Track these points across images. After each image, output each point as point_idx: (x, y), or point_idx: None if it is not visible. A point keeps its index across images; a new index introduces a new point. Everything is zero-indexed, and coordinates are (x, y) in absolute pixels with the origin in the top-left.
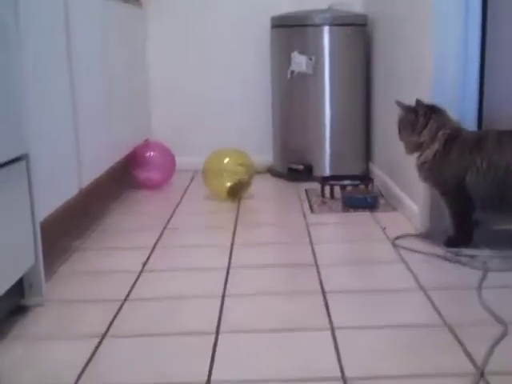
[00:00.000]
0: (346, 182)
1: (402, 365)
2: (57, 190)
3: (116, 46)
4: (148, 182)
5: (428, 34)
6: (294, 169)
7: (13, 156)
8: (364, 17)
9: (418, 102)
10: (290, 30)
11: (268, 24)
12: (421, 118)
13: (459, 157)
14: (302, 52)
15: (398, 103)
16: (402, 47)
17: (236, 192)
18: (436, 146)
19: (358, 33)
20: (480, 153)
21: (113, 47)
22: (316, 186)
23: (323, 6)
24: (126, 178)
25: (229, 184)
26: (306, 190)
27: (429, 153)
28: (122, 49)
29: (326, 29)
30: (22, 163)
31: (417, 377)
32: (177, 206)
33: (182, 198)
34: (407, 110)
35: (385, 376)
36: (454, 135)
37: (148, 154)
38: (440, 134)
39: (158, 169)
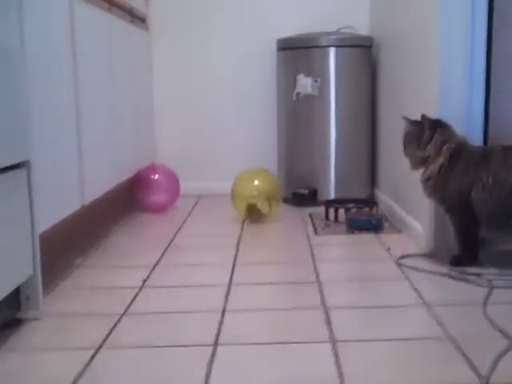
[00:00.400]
0: (351, 205)
1: (405, 375)
2: (58, 203)
3: (122, 67)
4: (153, 204)
5: (433, 53)
6: (299, 193)
7: (13, 162)
8: (369, 39)
9: (424, 116)
10: (296, 52)
11: (274, 46)
12: (426, 132)
13: (464, 171)
14: (307, 74)
15: (405, 118)
16: (407, 68)
17: (253, 214)
18: (441, 160)
19: (364, 55)
20: (486, 168)
21: (119, 68)
22: (320, 210)
23: (329, 29)
24: (129, 200)
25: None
26: (310, 214)
27: (433, 167)
28: (128, 70)
29: (332, 50)
30: (23, 170)
31: None
32: (180, 228)
33: (185, 221)
34: (413, 123)
35: None
36: (460, 150)
37: (153, 177)
38: (445, 148)
39: (162, 191)
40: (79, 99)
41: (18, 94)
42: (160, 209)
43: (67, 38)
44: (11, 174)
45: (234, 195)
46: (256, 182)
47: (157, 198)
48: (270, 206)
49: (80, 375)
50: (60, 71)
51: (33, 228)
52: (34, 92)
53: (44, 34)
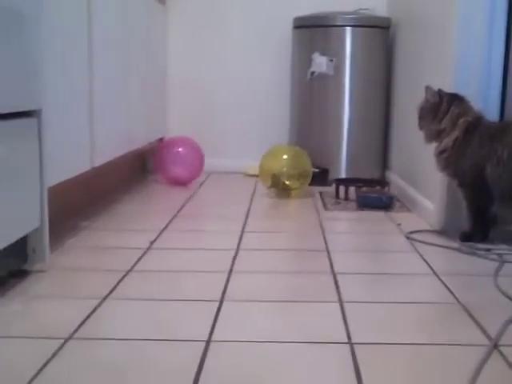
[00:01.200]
0: (362, 184)
1: (412, 335)
2: (68, 160)
3: (137, 37)
4: (174, 178)
5: (451, 33)
6: None
7: (25, 108)
8: (387, 20)
9: (440, 90)
10: (312, 31)
11: (290, 24)
12: (444, 104)
13: (479, 145)
14: (323, 53)
15: (428, 87)
16: (425, 50)
17: (280, 188)
18: (456, 133)
19: (381, 35)
20: (501, 142)
21: (134, 37)
22: (331, 189)
23: (346, 10)
24: (140, 169)
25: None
26: (320, 192)
27: (448, 140)
28: (143, 41)
29: (349, 30)
30: (34, 119)
31: (427, 345)
32: (189, 198)
33: (195, 193)
34: (433, 93)
35: (394, 343)
36: (475, 124)
37: (178, 149)
38: (461, 121)
39: (186, 166)
40: (93, 62)
41: (32, 44)
42: (181, 183)
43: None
44: (23, 121)
45: (261, 169)
46: (285, 157)
47: (180, 171)
48: (299, 182)
49: (84, 322)
50: (75, 32)
51: (41, 180)
52: (49, 47)
53: None
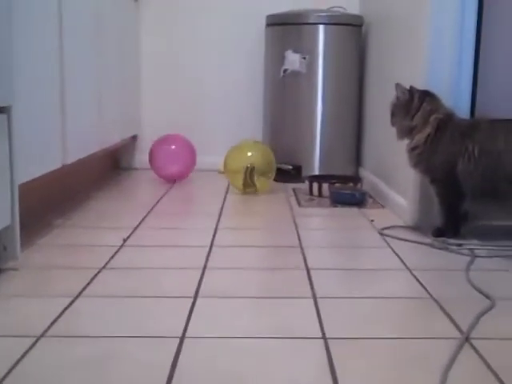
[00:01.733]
0: (335, 181)
1: (385, 328)
2: (39, 157)
3: (108, 33)
4: (168, 174)
5: (422, 31)
6: (283, 169)
7: None
8: (360, 18)
9: (412, 87)
10: (285, 29)
11: (263, 22)
12: (415, 101)
13: (450, 142)
14: (295, 51)
15: (398, 84)
16: (396, 48)
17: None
18: (428, 130)
19: (353, 33)
20: (472, 139)
21: (105, 33)
22: (304, 185)
23: (319, 7)
24: (113, 166)
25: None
26: (293, 189)
27: (420, 137)
28: (115, 37)
29: (321, 28)
30: (4, 116)
31: (400, 339)
32: (163, 196)
33: (169, 190)
34: (404, 91)
35: (367, 337)
36: (447, 120)
37: (171, 147)
38: (432, 118)
39: (179, 162)
40: (64, 59)
41: (2, 41)
42: (175, 178)
43: None
44: None
45: (226, 166)
46: (249, 154)
47: (173, 168)
48: (266, 177)
49: (56, 319)
50: (46, 28)
51: (12, 177)
52: (19, 43)
53: None
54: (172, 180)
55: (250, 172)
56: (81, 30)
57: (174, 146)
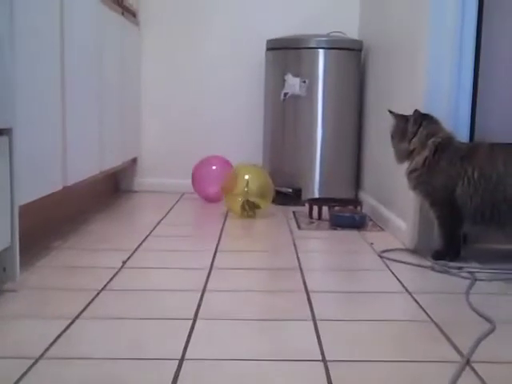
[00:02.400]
0: (335, 204)
1: (385, 351)
2: (40, 179)
3: (111, 57)
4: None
5: (421, 56)
6: (283, 192)
7: None
8: (359, 42)
9: (415, 111)
10: (285, 53)
11: (263, 46)
12: (410, 125)
13: (449, 165)
14: (296, 74)
15: (391, 112)
16: (396, 72)
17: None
18: (425, 153)
19: (353, 58)
20: (471, 162)
21: (107, 57)
22: (304, 208)
23: (318, 33)
24: (113, 188)
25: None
26: (293, 212)
27: (418, 160)
28: (117, 61)
29: (321, 52)
30: (5, 138)
31: (400, 362)
32: (162, 218)
33: (168, 213)
34: (398, 117)
35: (367, 360)
36: (445, 144)
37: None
38: (430, 141)
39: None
40: (66, 82)
41: (4, 64)
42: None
43: (55, 22)
44: None
45: (224, 190)
46: (247, 177)
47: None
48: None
49: (55, 341)
50: (48, 52)
51: (12, 198)
52: (22, 66)
53: (33, 17)
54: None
55: (247, 203)
56: (82, 53)
57: (214, 167)
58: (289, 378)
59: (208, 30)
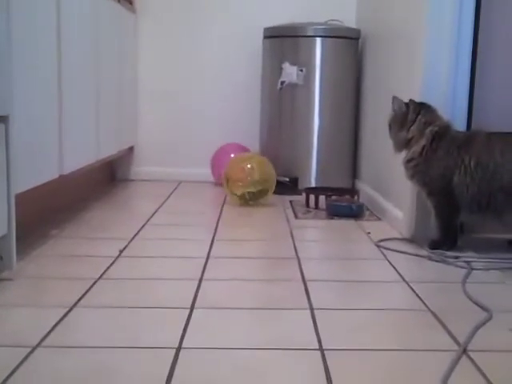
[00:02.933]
0: (332, 193)
1: (382, 340)
2: (36, 167)
3: (107, 44)
4: None
5: (419, 45)
6: (280, 181)
7: None
8: (357, 31)
9: (411, 100)
10: (283, 41)
11: (261, 34)
12: (410, 113)
13: (447, 154)
14: (293, 63)
15: (395, 97)
16: (393, 61)
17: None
18: (423, 141)
19: (350, 46)
20: (468, 151)
21: (104, 44)
22: (301, 197)
23: (317, 20)
24: (110, 177)
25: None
26: (290, 201)
27: (416, 149)
28: (113, 48)
29: (319, 41)
30: (1, 126)
31: (397, 351)
32: (161, 206)
33: (165, 202)
34: (400, 104)
35: (364, 349)
36: (443, 133)
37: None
38: (428, 130)
39: None
40: (62, 70)
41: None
42: None
43: (52, 9)
44: None
45: (226, 178)
46: (249, 166)
47: None
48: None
49: (52, 330)
50: (44, 41)
51: (9, 186)
52: (18, 55)
53: (30, 3)
54: None
55: (248, 193)
56: (79, 41)
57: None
58: (286, 367)
59: (205, 18)
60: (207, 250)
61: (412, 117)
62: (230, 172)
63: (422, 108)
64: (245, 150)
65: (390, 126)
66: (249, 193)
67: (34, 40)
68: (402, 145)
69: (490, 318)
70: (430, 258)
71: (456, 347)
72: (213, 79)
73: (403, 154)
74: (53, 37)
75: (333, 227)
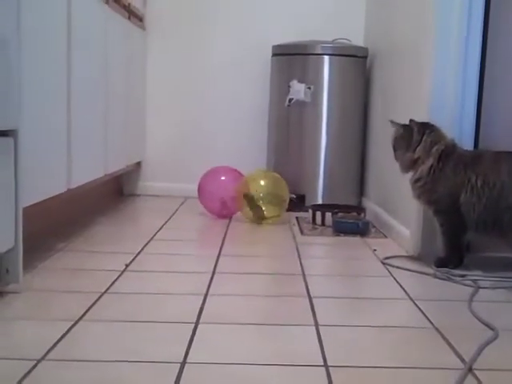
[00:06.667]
0: (338, 210)
1: (387, 357)
2: (44, 181)
3: (116, 60)
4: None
5: (426, 65)
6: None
7: (1, 128)
8: (364, 49)
9: (412, 120)
10: (291, 59)
11: (269, 52)
12: (415, 134)
13: (454, 173)
14: (301, 80)
15: (392, 121)
16: (401, 80)
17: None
18: (431, 161)
19: (358, 65)
20: (474, 170)
21: (113, 60)
22: (307, 214)
23: (325, 39)
24: (117, 191)
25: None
26: (296, 218)
27: (423, 168)
28: (122, 65)
29: (327, 59)
30: (10, 139)
31: (402, 369)
32: (165, 222)
33: (171, 217)
34: (401, 127)
35: (369, 366)
36: (449, 151)
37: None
38: (434, 149)
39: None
40: (71, 85)
41: (10, 65)
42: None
43: (62, 25)
44: None
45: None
46: (262, 183)
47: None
48: (276, 210)
49: (57, 343)
50: (54, 55)
51: (16, 200)
52: (28, 69)
53: (40, 20)
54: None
55: (250, 200)
56: (89, 56)
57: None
58: (290, 383)
59: (214, 35)
60: (213, 266)
61: (417, 137)
62: (241, 187)
63: (426, 128)
64: (235, 172)
65: (394, 148)
66: (255, 207)
67: (44, 55)
68: (409, 166)
69: (496, 337)
70: (435, 276)
71: (462, 366)
72: (221, 96)
73: (410, 174)
74: (63, 52)
75: (339, 244)
